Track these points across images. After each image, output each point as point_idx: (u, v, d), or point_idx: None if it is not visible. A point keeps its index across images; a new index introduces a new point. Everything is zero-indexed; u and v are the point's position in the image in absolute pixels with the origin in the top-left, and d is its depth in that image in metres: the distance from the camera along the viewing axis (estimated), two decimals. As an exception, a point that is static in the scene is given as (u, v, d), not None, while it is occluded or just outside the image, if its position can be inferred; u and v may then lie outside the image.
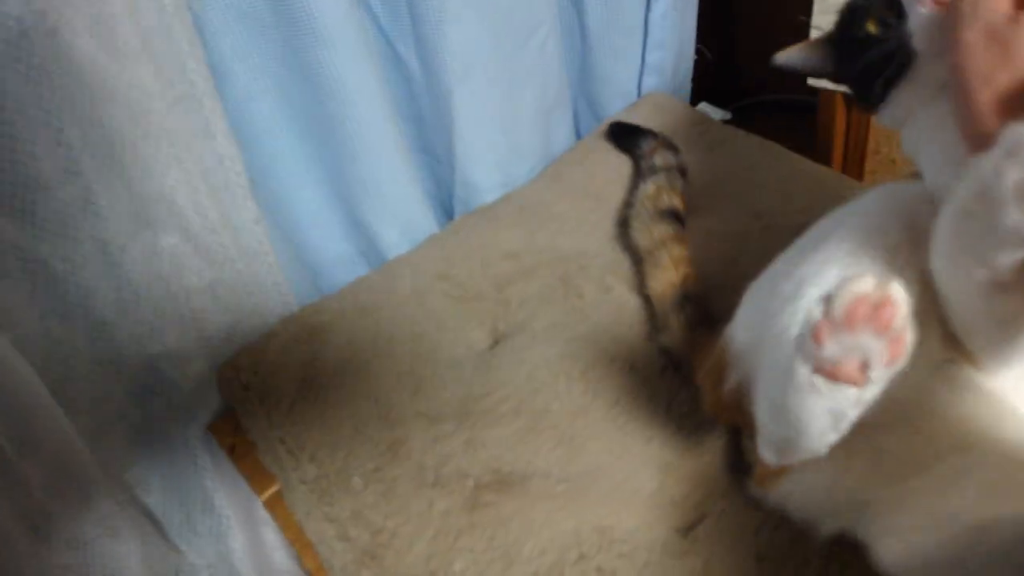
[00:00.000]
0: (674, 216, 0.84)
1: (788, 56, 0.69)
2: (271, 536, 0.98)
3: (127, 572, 0.86)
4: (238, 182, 0.77)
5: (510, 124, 0.97)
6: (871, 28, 0.61)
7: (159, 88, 0.69)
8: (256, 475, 0.81)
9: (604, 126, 1.02)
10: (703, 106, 1.10)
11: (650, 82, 1.11)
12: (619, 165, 0.97)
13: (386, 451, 0.71)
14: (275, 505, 0.79)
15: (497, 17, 0.89)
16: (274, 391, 0.79)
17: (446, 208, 1.01)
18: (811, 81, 1.04)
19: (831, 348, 0.44)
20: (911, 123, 0.59)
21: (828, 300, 0.44)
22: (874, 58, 0.60)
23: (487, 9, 0.88)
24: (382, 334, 0.82)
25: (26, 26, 0.60)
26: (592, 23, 1.03)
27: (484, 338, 0.82)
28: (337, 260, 0.95)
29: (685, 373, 0.71)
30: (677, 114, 1.04)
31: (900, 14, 0.58)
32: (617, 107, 1.09)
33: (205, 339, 0.83)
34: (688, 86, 1.19)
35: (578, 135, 1.10)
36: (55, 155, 0.65)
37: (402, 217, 0.93)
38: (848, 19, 0.63)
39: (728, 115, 1.09)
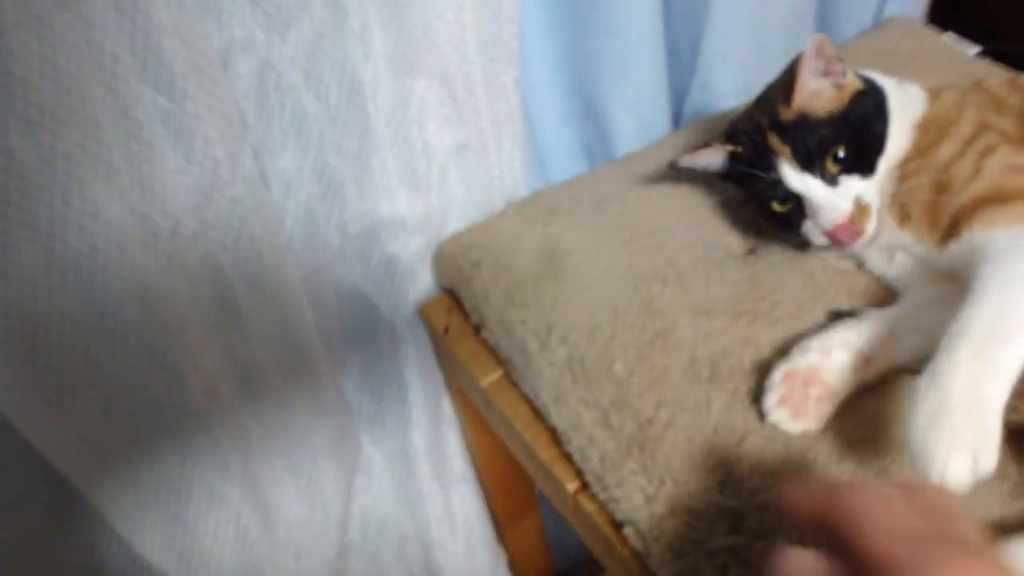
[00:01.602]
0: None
1: (692, 160, 0.72)
2: (454, 437, 0.93)
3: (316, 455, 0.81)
4: (509, 41, 0.71)
5: (760, 26, 0.89)
6: (776, 207, 0.66)
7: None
8: (477, 359, 0.75)
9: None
10: (948, 36, 1.01)
11: (892, 7, 1.03)
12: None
13: (654, 339, 0.64)
14: (496, 392, 0.73)
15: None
16: (512, 270, 0.72)
17: (675, 111, 0.94)
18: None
19: None
20: None
21: None
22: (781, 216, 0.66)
23: None
24: (627, 225, 0.75)
25: None
26: None
27: (739, 244, 0.75)
28: (565, 149, 0.89)
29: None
30: (924, 42, 0.95)
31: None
32: (853, 31, 1.02)
33: (433, 209, 0.77)
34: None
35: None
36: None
37: (641, 111, 0.86)
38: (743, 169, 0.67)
39: (979, 49, 1.00)
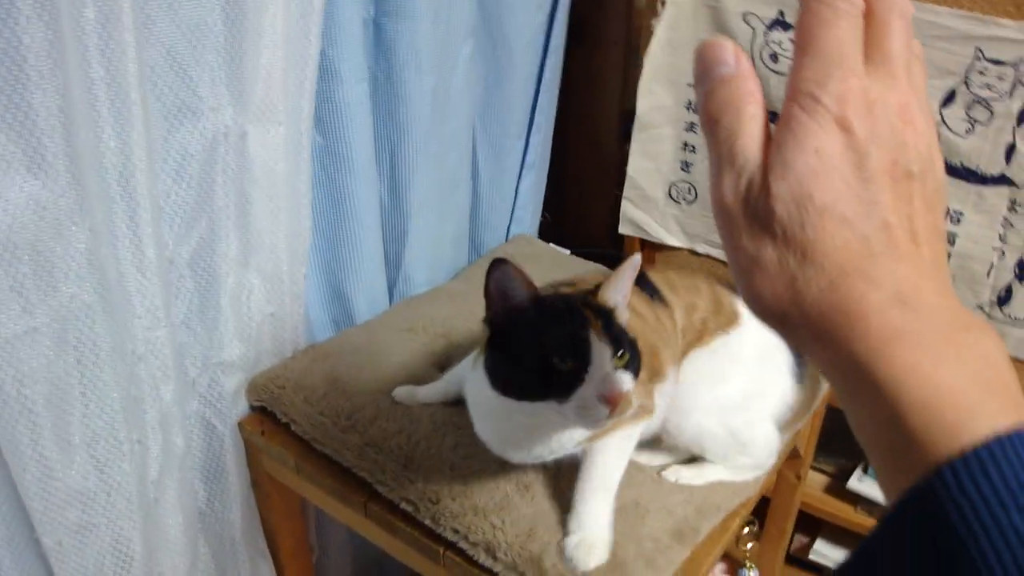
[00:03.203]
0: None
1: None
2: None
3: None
4: (302, 248, 1.22)
5: (439, 244, 1.49)
6: (560, 364, 0.81)
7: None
8: (290, 445, 1.20)
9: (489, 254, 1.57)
10: (552, 245, 1.70)
11: (515, 229, 1.69)
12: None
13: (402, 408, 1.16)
14: (305, 459, 1.19)
15: (442, 173, 1.43)
16: (307, 387, 1.20)
17: (390, 293, 1.49)
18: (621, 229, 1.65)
19: None
20: None
21: None
22: (554, 383, 0.81)
23: (435, 168, 1.41)
24: (372, 359, 1.27)
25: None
26: (483, 189, 1.60)
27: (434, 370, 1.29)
28: (324, 319, 1.39)
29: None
30: (538, 248, 1.61)
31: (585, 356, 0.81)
32: (493, 243, 1.66)
33: (251, 354, 1.23)
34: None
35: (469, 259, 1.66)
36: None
37: (369, 293, 1.40)
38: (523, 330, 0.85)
39: (570, 251, 1.68)
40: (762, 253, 0.40)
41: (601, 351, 0.81)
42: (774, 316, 0.41)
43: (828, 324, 0.38)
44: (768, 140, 0.41)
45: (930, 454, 0.34)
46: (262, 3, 1.01)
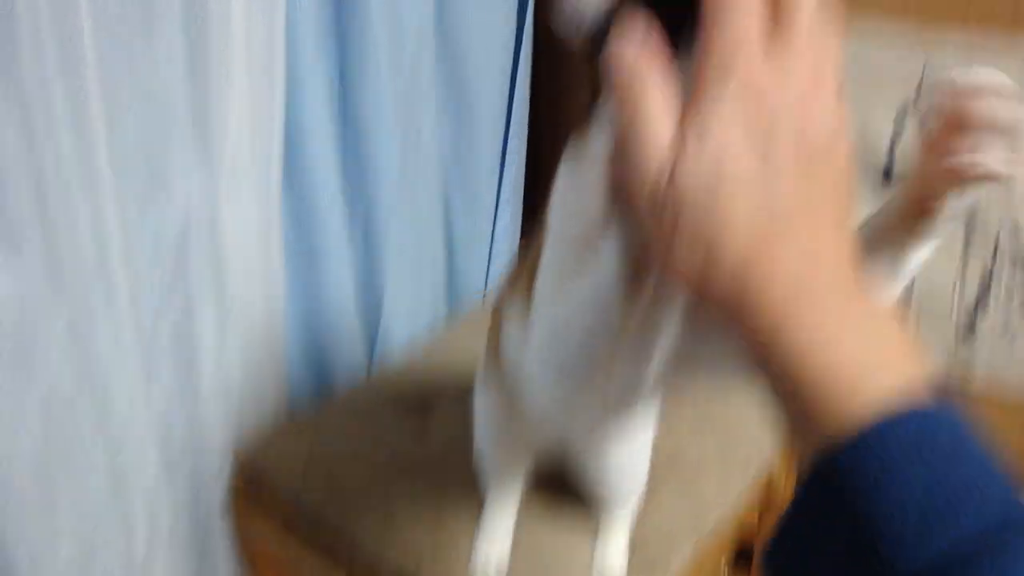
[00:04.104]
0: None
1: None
2: None
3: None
4: (278, 312, 1.23)
5: (418, 294, 1.50)
6: None
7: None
8: (280, 512, 1.21)
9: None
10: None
11: (495, 268, 1.70)
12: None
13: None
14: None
15: (416, 223, 1.45)
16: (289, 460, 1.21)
17: (373, 358, 1.50)
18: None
19: None
20: None
21: None
22: None
23: (409, 219, 1.43)
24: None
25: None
26: (459, 233, 1.61)
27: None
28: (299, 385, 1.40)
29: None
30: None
31: None
32: (473, 287, 1.67)
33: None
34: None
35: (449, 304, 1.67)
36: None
37: (348, 351, 1.41)
38: None
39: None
40: (675, 240, 0.41)
41: None
42: (693, 293, 0.42)
43: (739, 299, 0.40)
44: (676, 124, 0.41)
45: (828, 426, 0.38)
46: (227, 76, 1.02)
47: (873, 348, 0.39)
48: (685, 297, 0.48)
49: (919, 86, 1.28)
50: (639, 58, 0.41)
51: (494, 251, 1.70)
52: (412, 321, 1.53)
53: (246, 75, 1.04)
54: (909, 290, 1.37)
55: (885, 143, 1.32)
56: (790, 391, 0.40)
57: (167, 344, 1.11)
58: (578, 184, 0.55)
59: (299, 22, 1.13)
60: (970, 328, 1.34)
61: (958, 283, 1.32)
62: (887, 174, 1.33)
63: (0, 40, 0.78)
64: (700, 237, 0.40)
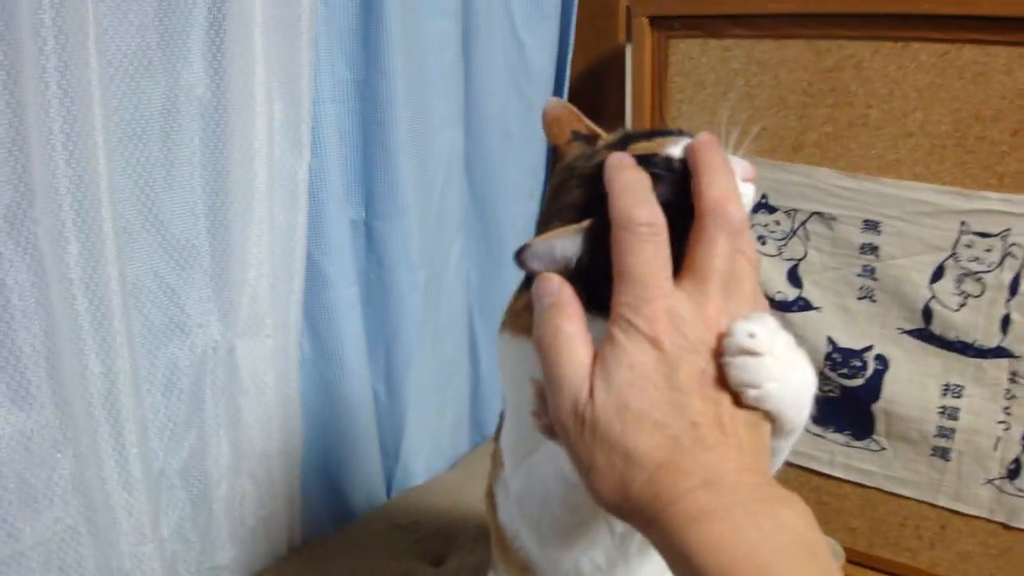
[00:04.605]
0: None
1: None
2: None
3: None
4: (294, 450, 1.21)
5: (439, 432, 1.47)
6: None
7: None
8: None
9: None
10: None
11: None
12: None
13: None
14: None
15: (440, 361, 1.43)
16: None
17: (388, 486, 1.46)
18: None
19: None
20: None
21: None
22: None
23: (432, 357, 1.41)
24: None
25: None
26: (484, 371, 1.59)
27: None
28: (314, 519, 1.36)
29: None
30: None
31: None
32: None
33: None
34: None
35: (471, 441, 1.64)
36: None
37: (365, 486, 1.37)
38: None
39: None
40: (595, 457, 0.45)
41: None
42: (612, 508, 0.46)
43: (650, 512, 0.44)
44: (594, 357, 0.46)
45: None
46: (247, 218, 1.04)
47: (774, 540, 0.41)
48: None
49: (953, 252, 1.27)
50: (554, 304, 0.48)
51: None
52: (432, 461, 1.50)
53: (267, 209, 1.06)
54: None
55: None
56: None
57: (179, 475, 1.10)
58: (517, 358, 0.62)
59: (324, 155, 1.15)
60: (1016, 467, 1.29)
61: (1003, 422, 1.29)
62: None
63: (14, 183, 0.81)
64: (619, 455, 0.44)
